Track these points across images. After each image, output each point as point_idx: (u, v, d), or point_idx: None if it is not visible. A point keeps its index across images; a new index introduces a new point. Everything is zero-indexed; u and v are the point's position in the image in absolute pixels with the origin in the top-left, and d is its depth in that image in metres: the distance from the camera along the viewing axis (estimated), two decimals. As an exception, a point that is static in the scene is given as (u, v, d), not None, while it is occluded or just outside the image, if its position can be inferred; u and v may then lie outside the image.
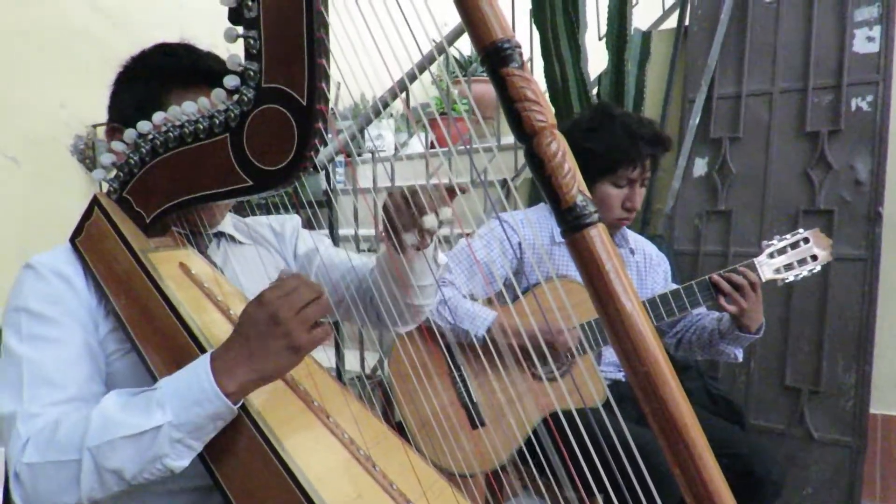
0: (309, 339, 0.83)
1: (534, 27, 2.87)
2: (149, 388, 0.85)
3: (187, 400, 0.81)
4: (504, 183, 2.74)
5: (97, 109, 1.11)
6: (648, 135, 1.76)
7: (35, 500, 0.84)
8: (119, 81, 1.09)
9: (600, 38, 2.87)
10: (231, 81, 0.85)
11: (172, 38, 1.12)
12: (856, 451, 2.30)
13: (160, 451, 0.81)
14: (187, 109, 0.89)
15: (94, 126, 3.55)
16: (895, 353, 2.48)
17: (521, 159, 3.01)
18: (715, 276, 1.69)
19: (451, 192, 1.03)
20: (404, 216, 1.01)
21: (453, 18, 0.94)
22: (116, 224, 0.95)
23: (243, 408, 0.85)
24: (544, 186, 0.66)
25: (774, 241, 1.74)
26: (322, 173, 2.47)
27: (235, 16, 0.83)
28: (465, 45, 4.05)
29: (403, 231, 1.02)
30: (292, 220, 1.33)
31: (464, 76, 3.88)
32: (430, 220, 0.98)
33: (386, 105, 2.55)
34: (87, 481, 0.82)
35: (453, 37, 2.91)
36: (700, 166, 2.68)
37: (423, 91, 4.37)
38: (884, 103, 2.34)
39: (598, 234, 0.65)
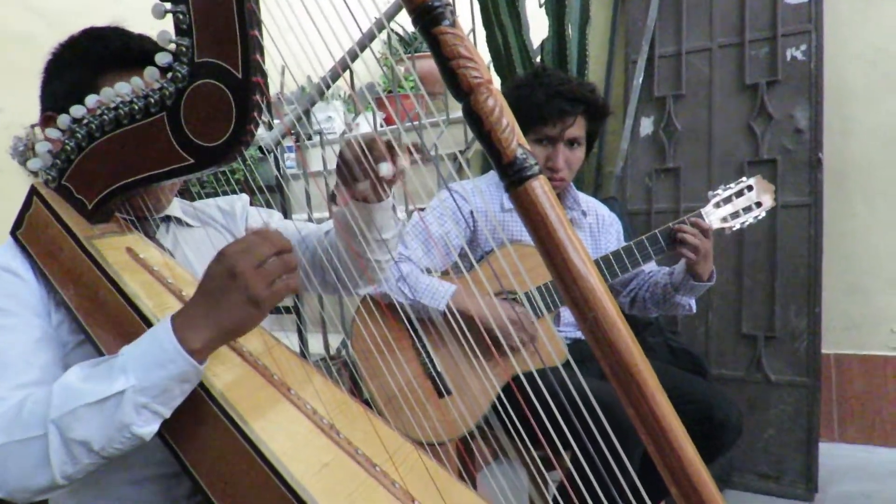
0: (269, 292, 0.80)
1: (474, -2, 2.87)
2: (110, 356, 0.83)
3: (149, 362, 0.79)
4: (455, 157, 2.74)
5: (36, 111, 1.09)
6: (569, 92, 1.76)
7: (7, 485, 0.82)
8: (49, 69, 1.06)
9: (540, 6, 2.87)
10: (163, 59, 0.84)
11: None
12: (812, 391, 2.38)
13: (126, 418, 0.79)
14: (121, 90, 0.87)
15: (33, 126, 3.46)
16: (842, 294, 2.57)
17: (471, 132, 3.00)
18: (674, 225, 1.72)
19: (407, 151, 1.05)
20: (361, 165, 1.02)
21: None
22: (57, 212, 0.93)
23: (204, 388, 0.84)
24: (485, 143, 0.67)
25: (719, 191, 1.77)
26: (271, 158, 2.44)
27: (163, -10, 0.82)
28: (409, 22, 3.99)
29: (359, 180, 1.02)
30: (241, 199, 1.32)
31: (407, 52, 3.85)
32: (385, 168, 0.99)
33: (329, 86, 2.53)
34: (56, 456, 0.79)
35: (394, 12, 2.88)
36: (647, 125, 2.71)
37: (369, 71, 4.32)
38: (818, 52, 2.40)
39: (539, 186, 0.66)
